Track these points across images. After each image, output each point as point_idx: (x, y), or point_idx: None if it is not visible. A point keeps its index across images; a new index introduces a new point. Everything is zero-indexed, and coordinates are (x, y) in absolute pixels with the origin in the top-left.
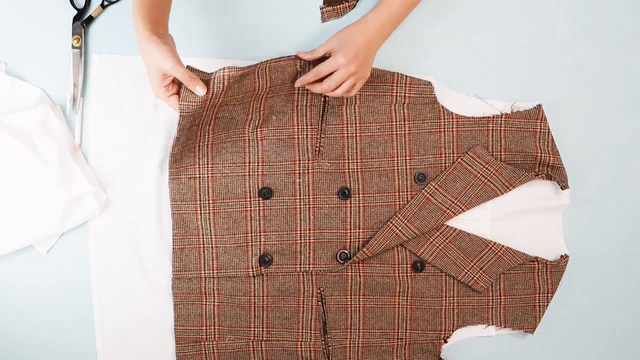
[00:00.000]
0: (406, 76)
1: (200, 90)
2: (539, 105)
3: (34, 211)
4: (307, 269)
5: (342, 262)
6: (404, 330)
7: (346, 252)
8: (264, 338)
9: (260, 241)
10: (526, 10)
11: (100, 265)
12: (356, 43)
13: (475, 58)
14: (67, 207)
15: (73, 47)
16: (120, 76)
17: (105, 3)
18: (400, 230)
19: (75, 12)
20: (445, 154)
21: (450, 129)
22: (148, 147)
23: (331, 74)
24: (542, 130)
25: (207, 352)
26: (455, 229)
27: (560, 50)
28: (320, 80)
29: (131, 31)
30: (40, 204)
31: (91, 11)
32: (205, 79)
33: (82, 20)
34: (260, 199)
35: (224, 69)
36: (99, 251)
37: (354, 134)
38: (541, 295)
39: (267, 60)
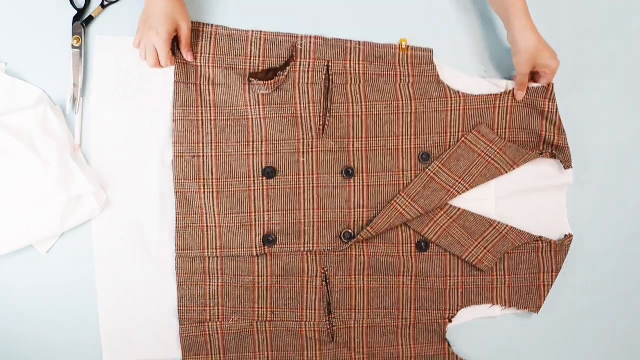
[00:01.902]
0: (408, 51)
1: (189, 57)
2: (550, 84)
3: (34, 211)
4: (311, 248)
5: (346, 241)
6: (409, 310)
7: (350, 231)
8: (268, 318)
9: (263, 221)
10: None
11: (102, 245)
12: (544, 45)
13: (474, 59)
14: (67, 207)
15: (73, 47)
16: (122, 60)
17: (105, 3)
18: (404, 209)
19: (75, 12)
20: (451, 132)
21: (458, 108)
22: (149, 143)
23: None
24: (550, 109)
25: (210, 332)
26: (459, 208)
27: (560, 50)
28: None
29: (131, 31)
30: (40, 204)
31: (91, 11)
32: (195, 28)
33: (82, 20)
34: (264, 178)
35: (212, 25)
36: (99, 232)
37: (360, 113)
38: (545, 274)
39: (261, 31)
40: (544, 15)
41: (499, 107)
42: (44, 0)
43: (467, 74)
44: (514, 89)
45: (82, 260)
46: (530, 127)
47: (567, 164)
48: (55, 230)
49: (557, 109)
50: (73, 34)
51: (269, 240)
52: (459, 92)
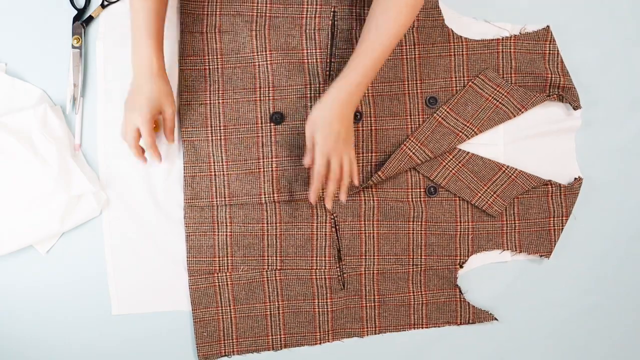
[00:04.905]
0: None
1: (170, 140)
2: (547, 26)
3: (34, 211)
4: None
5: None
6: (419, 257)
7: (360, 112)
8: (278, 267)
9: (272, 167)
10: (526, 11)
11: (110, 198)
12: (330, 127)
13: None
14: (67, 207)
15: (73, 47)
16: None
17: (105, 3)
18: (413, 153)
19: (75, 12)
20: (455, 77)
21: (460, 53)
22: None
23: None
24: (551, 51)
25: (220, 284)
26: (468, 152)
27: (561, 50)
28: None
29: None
30: (40, 204)
31: (91, 11)
32: None
33: (82, 20)
34: (272, 124)
35: None
36: (107, 185)
37: None
38: (555, 219)
39: None
40: (544, 16)
41: (502, 52)
42: (44, 0)
43: (472, 17)
44: (515, 35)
45: (82, 260)
46: (535, 71)
47: (575, 103)
48: (55, 230)
49: (558, 51)
50: (73, 34)
51: (277, 187)
52: (461, 37)
